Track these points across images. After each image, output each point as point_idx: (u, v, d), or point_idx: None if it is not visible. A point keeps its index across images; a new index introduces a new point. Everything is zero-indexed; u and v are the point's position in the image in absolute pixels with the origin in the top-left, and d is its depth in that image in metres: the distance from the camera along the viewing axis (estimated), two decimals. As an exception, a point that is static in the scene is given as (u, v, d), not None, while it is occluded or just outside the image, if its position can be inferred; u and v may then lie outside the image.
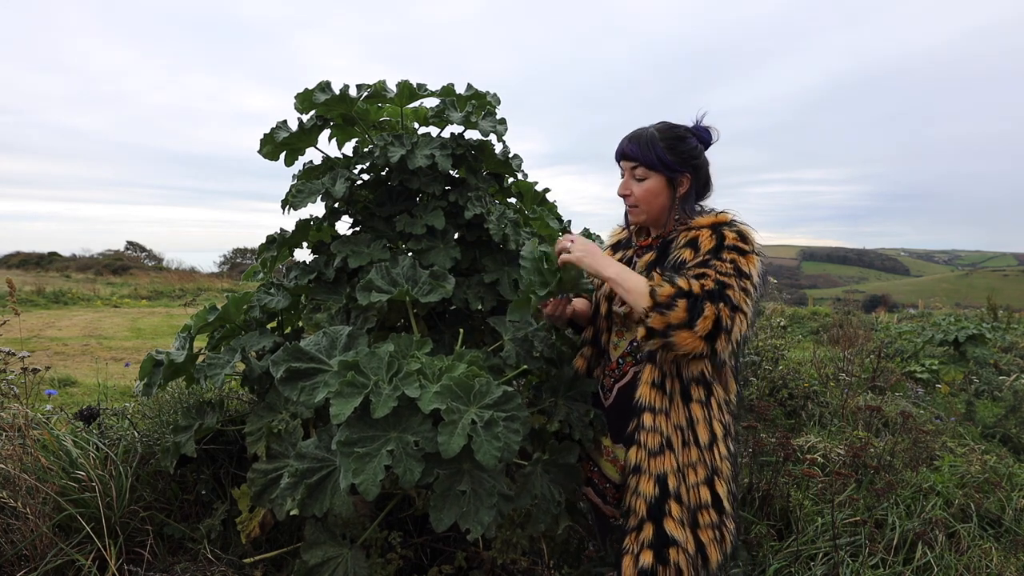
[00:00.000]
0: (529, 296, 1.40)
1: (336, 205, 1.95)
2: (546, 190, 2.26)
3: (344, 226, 2.01)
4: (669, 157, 1.40)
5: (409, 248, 1.83)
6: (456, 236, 1.92)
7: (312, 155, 2.06)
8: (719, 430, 1.39)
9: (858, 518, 2.28)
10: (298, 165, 2.01)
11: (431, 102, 2.01)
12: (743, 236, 1.32)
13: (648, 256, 1.45)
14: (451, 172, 1.99)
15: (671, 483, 1.33)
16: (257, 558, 1.70)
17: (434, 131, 2.06)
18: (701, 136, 1.45)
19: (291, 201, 1.79)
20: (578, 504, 1.69)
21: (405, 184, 1.87)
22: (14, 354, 2.26)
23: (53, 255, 26.40)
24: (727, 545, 1.37)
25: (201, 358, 1.75)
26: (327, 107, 1.83)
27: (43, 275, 18.99)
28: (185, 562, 1.85)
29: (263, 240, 1.99)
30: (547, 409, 1.56)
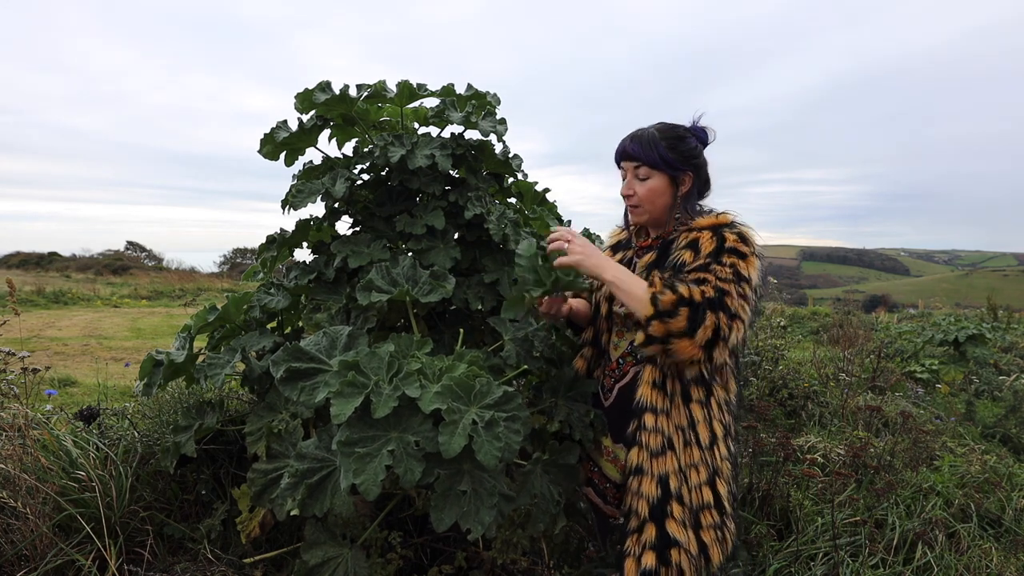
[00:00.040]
0: (523, 294, 1.40)
1: (336, 205, 1.95)
2: (546, 190, 2.26)
3: (344, 226, 2.01)
4: (671, 156, 1.40)
5: (409, 248, 1.83)
6: (456, 236, 1.92)
7: (312, 155, 2.06)
8: (719, 430, 1.39)
9: (858, 518, 2.28)
10: (298, 165, 2.02)
11: (431, 102, 2.01)
12: (743, 238, 1.32)
13: (648, 257, 1.45)
14: (451, 172, 1.99)
15: (673, 484, 1.33)
16: (257, 558, 1.70)
17: (434, 131, 2.06)
18: (699, 136, 1.46)
19: (291, 201, 1.79)
20: (577, 504, 1.69)
21: (405, 184, 1.87)
22: (14, 354, 2.26)
23: (53, 255, 26.40)
24: (728, 545, 1.38)
25: (201, 358, 1.75)
26: (327, 107, 1.83)
27: (43, 275, 18.99)
28: (185, 562, 1.85)
29: (263, 240, 1.99)
30: (547, 409, 1.56)
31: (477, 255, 1.92)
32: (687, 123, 1.47)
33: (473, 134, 1.97)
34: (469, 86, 1.97)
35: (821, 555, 2.08)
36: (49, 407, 2.45)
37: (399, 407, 1.18)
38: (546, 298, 1.49)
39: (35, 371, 2.22)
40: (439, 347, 1.66)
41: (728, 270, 1.26)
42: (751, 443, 2.65)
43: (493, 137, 1.93)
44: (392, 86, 1.88)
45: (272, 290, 1.89)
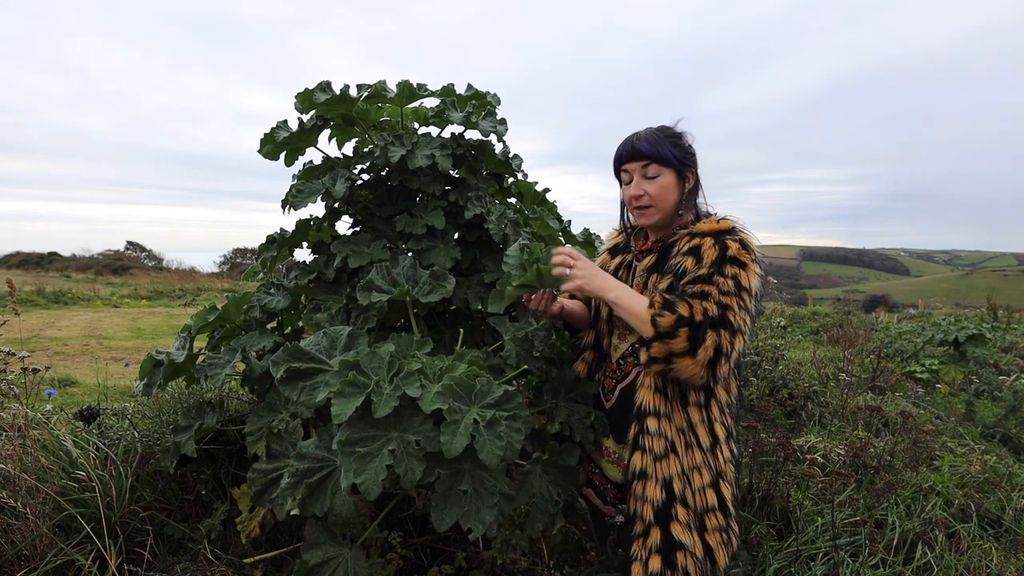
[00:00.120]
0: (504, 287, 1.42)
1: (336, 205, 1.95)
2: (546, 190, 2.26)
3: (344, 226, 2.01)
4: (677, 153, 1.41)
5: (409, 248, 1.83)
6: (456, 236, 1.92)
7: (312, 155, 2.07)
8: (721, 433, 1.39)
9: (858, 518, 2.28)
10: (298, 165, 2.02)
11: (431, 102, 2.01)
12: (745, 245, 1.33)
13: (648, 260, 1.45)
14: (451, 172, 1.99)
15: (676, 487, 1.33)
16: (257, 558, 1.70)
17: (434, 131, 2.06)
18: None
19: (291, 201, 1.79)
20: (576, 505, 1.69)
21: (405, 184, 1.87)
22: (14, 354, 2.26)
23: (53, 255, 26.40)
24: (733, 548, 1.38)
25: (201, 358, 1.75)
26: (327, 107, 1.83)
27: (43, 275, 18.99)
28: (185, 562, 1.85)
29: (263, 240, 1.99)
30: (548, 411, 1.56)
31: (477, 255, 1.92)
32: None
33: (473, 134, 1.98)
34: (469, 86, 1.97)
35: (821, 555, 2.08)
36: (49, 407, 2.45)
37: (400, 407, 1.18)
38: (534, 295, 1.49)
39: (35, 371, 2.22)
40: (439, 347, 1.66)
41: (730, 282, 1.27)
42: (751, 443, 2.65)
43: (493, 137, 1.93)
44: (392, 86, 1.88)
45: (272, 290, 1.89)
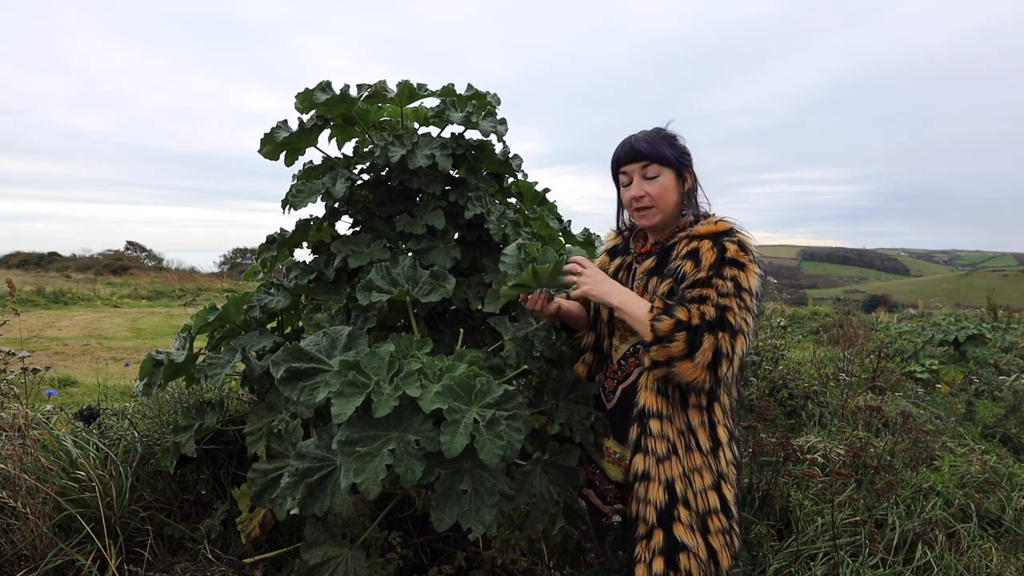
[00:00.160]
0: (502, 285, 1.42)
1: (336, 205, 1.94)
2: (546, 190, 2.26)
3: (344, 226, 2.01)
4: (675, 153, 1.42)
5: (409, 248, 1.83)
6: (456, 236, 1.92)
7: (312, 155, 2.06)
8: (724, 436, 1.40)
9: (858, 518, 2.28)
10: (298, 165, 2.02)
11: (431, 102, 2.01)
12: (743, 247, 1.33)
13: (648, 263, 1.46)
14: (451, 172, 1.99)
15: (679, 488, 1.34)
16: (257, 558, 1.70)
17: (434, 131, 2.06)
18: None
19: (291, 201, 1.79)
20: (575, 506, 1.69)
21: (405, 184, 1.87)
22: (14, 354, 2.26)
23: (53, 255, 26.40)
24: (735, 549, 1.39)
25: (201, 358, 1.75)
26: (327, 107, 1.83)
27: (43, 275, 18.99)
28: (185, 562, 1.85)
29: (263, 240, 1.99)
30: (548, 411, 1.56)
31: (477, 255, 1.92)
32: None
33: (473, 134, 1.98)
34: (469, 86, 1.97)
35: (821, 555, 2.08)
36: (49, 407, 2.45)
37: (400, 407, 1.18)
38: (531, 295, 1.49)
39: (35, 371, 2.22)
40: (439, 347, 1.66)
41: (729, 284, 1.28)
42: (751, 443, 2.65)
43: (493, 137, 1.93)
44: (392, 86, 1.88)
45: (272, 290, 1.89)
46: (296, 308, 1.95)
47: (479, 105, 1.97)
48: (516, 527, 1.57)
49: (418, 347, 1.39)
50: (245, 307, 1.84)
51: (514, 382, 1.70)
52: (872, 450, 2.90)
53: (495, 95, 1.98)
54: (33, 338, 7.21)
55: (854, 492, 2.49)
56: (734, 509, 1.40)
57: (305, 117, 1.88)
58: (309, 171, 2.01)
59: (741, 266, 1.30)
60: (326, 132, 1.95)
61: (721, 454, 1.39)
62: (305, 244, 2.01)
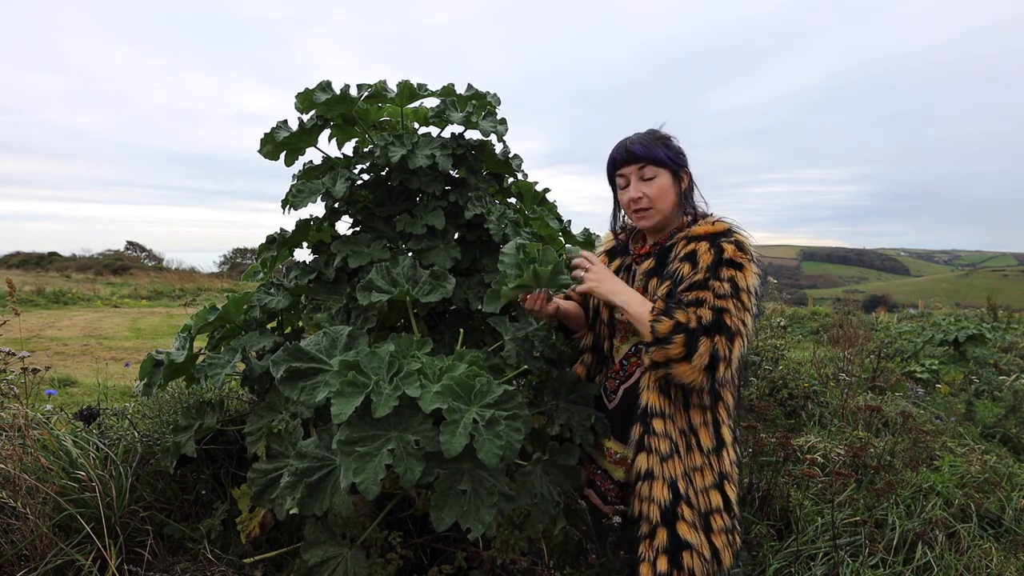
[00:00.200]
0: (502, 286, 1.42)
1: (336, 205, 1.94)
2: (546, 190, 2.26)
3: (344, 226, 2.01)
4: (670, 153, 1.43)
5: (409, 248, 1.83)
6: (456, 236, 1.92)
7: (312, 155, 2.06)
8: (728, 436, 1.40)
9: (858, 518, 2.28)
10: (298, 165, 2.02)
11: (431, 102, 2.01)
12: (740, 246, 1.33)
13: (647, 264, 1.46)
14: (451, 172, 1.99)
15: (681, 487, 1.34)
16: (257, 558, 1.70)
17: (434, 131, 2.06)
18: None
19: (291, 201, 1.79)
20: (575, 506, 1.69)
21: (405, 184, 1.87)
22: (14, 354, 2.26)
23: (53, 255, 26.41)
24: (737, 548, 1.39)
25: (201, 358, 1.75)
26: (327, 107, 1.83)
27: (43, 275, 18.99)
28: (185, 562, 1.85)
29: (263, 240, 1.99)
30: (548, 412, 1.56)
31: (477, 255, 1.92)
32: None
33: (473, 134, 1.98)
34: (469, 86, 1.97)
35: (821, 555, 2.08)
36: (49, 407, 2.45)
37: (399, 407, 1.18)
38: (530, 294, 1.49)
39: (35, 371, 2.22)
40: (439, 347, 1.66)
41: (726, 285, 1.28)
42: (751, 443, 2.65)
43: (493, 137, 1.93)
44: (392, 86, 1.88)
45: (272, 290, 1.89)
46: (296, 308, 1.95)
47: (479, 105, 1.97)
48: (516, 527, 1.57)
49: (418, 347, 1.39)
50: (245, 307, 1.84)
51: (514, 382, 1.70)
52: (872, 450, 2.90)
53: (495, 95, 1.98)
54: (33, 338, 7.21)
55: (854, 492, 2.49)
56: (737, 509, 1.41)
57: (305, 117, 1.88)
58: (309, 171, 2.01)
59: (739, 266, 1.30)
60: (326, 132, 1.95)
61: (725, 454, 1.39)
62: (305, 244, 2.01)
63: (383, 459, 1.13)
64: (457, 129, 1.97)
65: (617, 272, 1.56)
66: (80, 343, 7.05)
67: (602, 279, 1.38)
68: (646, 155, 1.41)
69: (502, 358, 1.55)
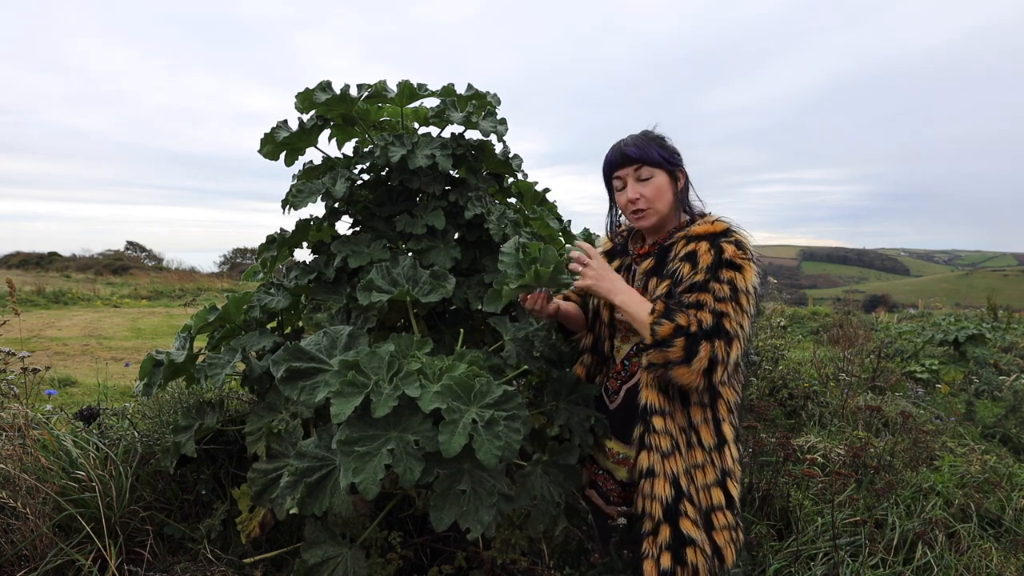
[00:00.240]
0: (501, 286, 1.42)
1: (336, 205, 1.95)
2: (546, 190, 2.26)
3: (344, 226, 2.01)
4: (665, 154, 1.44)
5: (409, 248, 1.83)
6: (456, 236, 1.92)
7: (312, 155, 2.06)
8: (730, 433, 1.40)
9: (858, 518, 2.28)
10: (298, 165, 2.02)
11: (431, 102, 2.01)
12: (740, 246, 1.34)
13: (647, 263, 1.46)
14: (451, 172, 1.99)
15: (683, 483, 1.35)
16: (257, 558, 1.70)
17: (434, 131, 2.06)
18: None
19: (291, 201, 1.79)
20: (577, 506, 1.69)
21: (405, 184, 1.87)
22: (14, 354, 2.26)
23: (53, 255, 26.41)
24: (739, 546, 1.39)
25: (201, 358, 1.75)
26: (327, 107, 1.83)
27: (43, 275, 18.99)
28: (185, 562, 1.85)
29: (263, 240, 1.99)
30: (548, 412, 1.56)
31: (477, 255, 1.92)
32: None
33: (473, 134, 1.98)
34: (469, 86, 1.97)
35: (821, 555, 2.08)
36: (49, 407, 2.45)
37: (399, 407, 1.18)
38: (530, 294, 1.48)
39: (35, 371, 2.22)
40: (439, 347, 1.66)
41: (726, 287, 1.28)
42: (751, 443, 2.65)
43: (493, 137, 1.93)
44: (392, 86, 1.88)
45: (272, 290, 1.89)
46: (296, 308, 1.95)
47: (479, 105, 1.97)
48: (517, 527, 1.57)
49: (418, 347, 1.39)
50: (245, 307, 1.84)
51: (514, 382, 1.70)
52: (872, 450, 2.89)
53: (495, 95, 1.99)
54: (33, 338, 7.21)
55: (854, 492, 2.49)
56: (739, 506, 1.41)
57: (305, 117, 1.88)
58: (309, 171, 2.01)
59: (738, 268, 1.30)
60: (326, 132, 1.95)
61: (727, 451, 1.39)
62: (305, 244, 2.01)
63: (382, 459, 1.13)
64: (457, 129, 1.97)
65: (617, 272, 1.56)
66: (80, 343, 7.05)
67: (601, 276, 1.37)
68: (641, 156, 1.42)
69: (502, 358, 1.55)
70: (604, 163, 1.50)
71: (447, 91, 1.95)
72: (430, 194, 1.88)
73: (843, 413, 3.62)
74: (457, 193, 1.88)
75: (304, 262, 1.96)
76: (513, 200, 2.23)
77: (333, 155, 2.01)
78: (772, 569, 2.02)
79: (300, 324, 2.02)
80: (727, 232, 1.36)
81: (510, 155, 2.01)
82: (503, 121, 1.93)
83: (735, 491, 1.40)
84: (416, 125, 2.10)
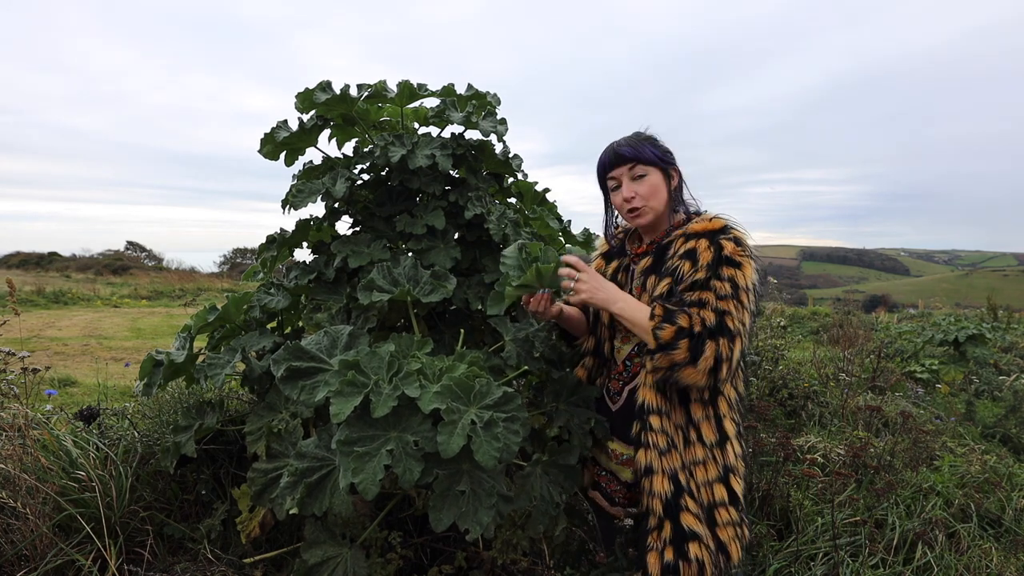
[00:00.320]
0: (505, 287, 1.42)
1: (336, 205, 1.94)
2: (546, 190, 2.26)
3: (344, 226, 2.01)
4: (658, 152, 1.45)
5: (409, 248, 1.83)
6: (456, 236, 1.92)
7: (312, 155, 2.06)
8: (731, 429, 1.40)
9: (858, 518, 2.28)
10: (298, 165, 2.02)
11: (431, 102, 2.01)
12: (739, 243, 1.34)
13: (645, 262, 1.47)
14: (451, 172, 1.99)
15: (682, 479, 1.35)
16: (257, 558, 1.70)
17: (434, 131, 2.06)
18: None
19: (291, 201, 1.79)
20: (577, 506, 1.69)
21: (405, 184, 1.87)
22: (14, 354, 2.26)
23: (53, 255, 26.41)
24: (745, 542, 1.40)
25: (201, 358, 1.75)
26: (327, 107, 1.83)
27: (43, 275, 18.99)
28: (185, 562, 1.85)
29: (263, 240, 1.99)
30: (548, 413, 1.56)
31: (477, 255, 1.92)
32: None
33: (473, 134, 1.98)
34: (469, 86, 1.97)
35: (821, 555, 2.08)
36: (49, 407, 2.45)
37: (398, 407, 1.18)
38: (533, 296, 1.48)
39: (35, 371, 2.22)
40: (439, 347, 1.67)
41: (727, 285, 1.28)
42: (751, 443, 2.65)
43: (493, 137, 1.93)
44: (392, 86, 1.88)
45: (272, 290, 1.89)
46: (296, 308, 1.95)
47: (479, 105, 1.97)
48: (518, 527, 1.57)
49: (418, 347, 1.39)
50: (245, 307, 1.84)
51: (514, 383, 1.70)
52: (872, 450, 2.89)
53: (495, 95, 1.98)
54: (33, 338, 7.21)
55: (854, 492, 2.48)
56: (744, 502, 1.42)
57: (305, 117, 1.88)
58: (309, 171, 2.01)
59: (738, 265, 1.31)
60: (326, 132, 1.95)
61: (729, 447, 1.39)
62: (305, 244, 2.01)
63: (382, 459, 1.13)
64: (457, 129, 1.97)
65: (616, 272, 1.56)
66: (80, 343, 7.05)
67: (595, 288, 1.37)
68: (634, 155, 1.43)
69: (502, 358, 1.55)
70: (598, 165, 1.51)
71: (447, 91, 1.95)
72: (430, 194, 1.88)
73: (843, 413, 3.62)
74: (457, 193, 1.87)
75: (304, 262, 1.96)
76: (513, 200, 2.23)
77: (333, 155, 2.01)
78: (772, 569, 2.02)
79: (300, 324, 2.02)
80: (725, 229, 1.36)
81: (510, 155, 2.01)
82: (503, 121, 1.93)
83: (739, 487, 1.40)
84: (416, 125, 2.10)
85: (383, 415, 1.16)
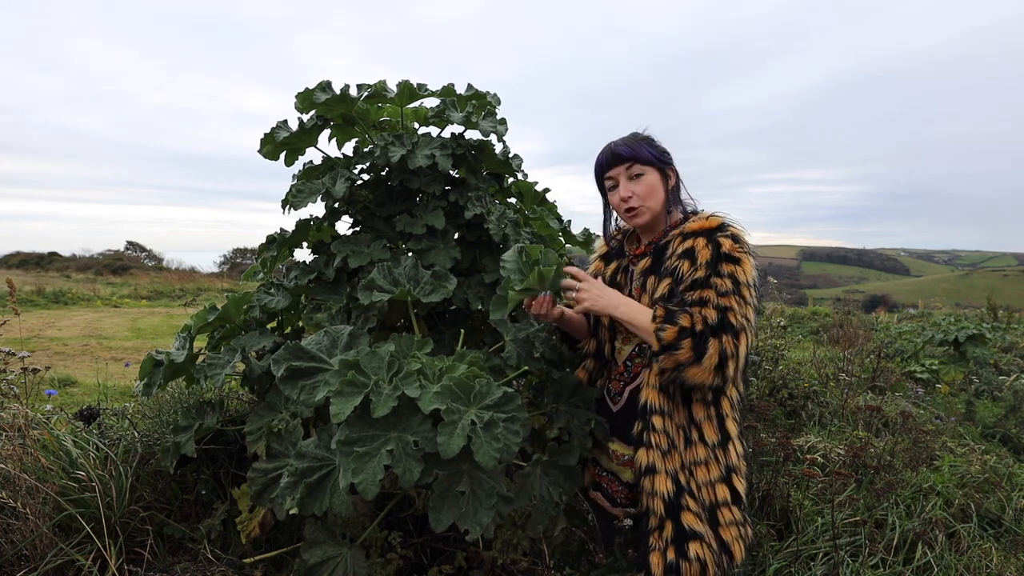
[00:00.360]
0: (506, 292, 1.42)
1: (336, 205, 1.94)
2: (546, 190, 2.26)
3: (344, 226, 2.01)
4: (655, 152, 1.45)
5: (409, 248, 1.83)
6: (456, 236, 1.92)
7: (312, 155, 2.06)
8: (733, 429, 1.40)
9: (858, 518, 2.28)
10: (298, 165, 2.02)
11: (431, 102, 2.01)
12: (737, 240, 1.34)
13: (644, 263, 1.47)
14: (451, 172, 1.99)
15: (682, 479, 1.35)
16: (257, 558, 1.70)
17: (434, 131, 2.06)
18: None
19: (291, 201, 1.79)
20: (577, 507, 1.69)
21: (405, 184, 1.87)
22: (14, 354, 2.26)
23: (53, 255, 26.41)
24: (748, 542, 1.40)
25: (201, 358, 1.75)
26: (327, 107, 1.83)
27: (43, 275, 18.99)
28: (185, 562, 1.85)
29: (263, 240, 1.99)
30: (548, 414, 1.55)
31: (477, 255, 1.92)
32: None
33: (473, 134, 1.98)
34: (469, 86, 1.97)
35: (821, 555, 2.08)
36: (49, 407, 2.45)
37: (398, 407, 1.18)
38: (535, 299, 1.48)
39: (35, 371, 2.22)
40: (440, 347, 1.67)
41: (728, 282, 1.29)
42: (751, 443, 2.65)
43: (493, 137, 1.93)
44: (392, 86, 1.88)
45: (272, 290, 1.89)
46: (296, 308, 1.95)
47: (479, 105, 1.97)
48: (519, 527, 1.57)
49: (419, 347, 1.39)
50: (245, 307, 1.84)
51: (514, 383, 1.70)
52: (872, 450, 2.89)
53: (495, 95, 1.99)
54: (33, 338, 7.21)
55: (854, 492, 2.48)
56: (746, 502, 1.42)
57: (305, 117, 1.88)
58: (309, 171, 2.01)
59: (737, 261, 1.31)
60: (326, 132, 1.95)
61: (732, 447, 1.39)
62: (305, 244, 2.01)
63: (382, 459, 1.13)
64: (457, 129, 1.97)
65: (615, 274, 1.57)
66: (80, 343, 7.05)
67: (596, 295, 1.38)
68: (631, 155, 1.43)
69: (503, 359, 1.55)
70: (595, 166, 1.51)
71: (447, 91, 1.95)
72: (430, 194, 1.88)
73: (843, 413, 3.62)
74: (457, 193, 1.87)
75: (304, 262, 1.96)
76: (513, 200, 2.23)
77: (333, 155, 2.01)
78: (772, 569, 2.02)
79: (300, 324, 2.02)
80: (723, 227, 1.36)
81: (510, 155, 2.01)
82: (503, 121, 1.93)
83: (741, 487, 1.40)
84: (416, 125, 2.10)
85: (383, 415, 1.16)
